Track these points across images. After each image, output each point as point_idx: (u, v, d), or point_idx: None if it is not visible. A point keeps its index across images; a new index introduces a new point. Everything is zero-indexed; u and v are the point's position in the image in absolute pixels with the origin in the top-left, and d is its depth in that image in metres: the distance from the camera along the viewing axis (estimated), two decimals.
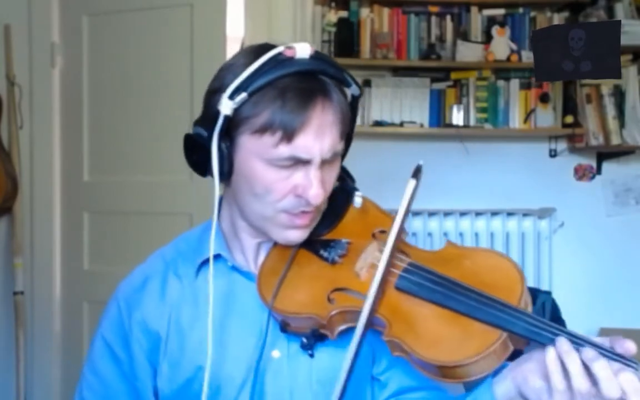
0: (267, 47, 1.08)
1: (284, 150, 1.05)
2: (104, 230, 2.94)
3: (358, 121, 4.00)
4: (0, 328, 3.00)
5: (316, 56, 1.08)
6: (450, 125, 3.77)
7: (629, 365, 0.89)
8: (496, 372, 1.01)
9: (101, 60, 2.92)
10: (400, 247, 1.11)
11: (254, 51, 1.09)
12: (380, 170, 3.61)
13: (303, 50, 1.07)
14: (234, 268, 1.17)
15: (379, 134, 3.78)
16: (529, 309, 1.00)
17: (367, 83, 3.79)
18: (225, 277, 1.17)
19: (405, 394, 1.14)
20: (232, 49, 2.85)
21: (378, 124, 3.77)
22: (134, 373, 1.17)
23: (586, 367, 0.90)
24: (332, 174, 1.12)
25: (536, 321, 0.95)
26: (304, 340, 1.07)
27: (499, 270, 1.04)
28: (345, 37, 3.71)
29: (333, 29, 3.70)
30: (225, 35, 2.69)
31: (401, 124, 3.77)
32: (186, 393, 1.14)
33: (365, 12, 3.81)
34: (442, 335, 0.99)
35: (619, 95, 3.77)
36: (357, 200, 1.18)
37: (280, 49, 1.06)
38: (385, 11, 3.79)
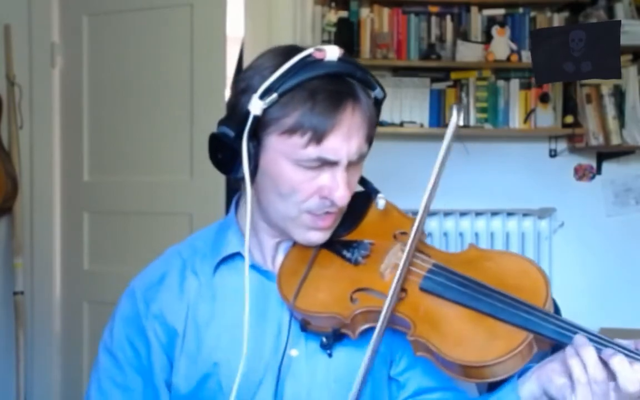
0: (294, 49, 1.09)
1: (313, 151, 1.06)
2: (104, 230, 2.94)
3: None
4: (0, 328, 3.00)
5: (344, 59, 1.10)
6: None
7: None
8: (521, 373, 1.01)
9: (101, 60, 2.92)
10: (421, 248, 1.12)
11: (282, 53, 1.10)
12: (380, 170, 3.58)
13: (332, 53, 1.08)
14: (253, 266, 1.17)
15: (379, 134, 3.73)
16: (552, 311, 1.01)
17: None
18: (242, 276, 1.16)
19: (424, 395, 1.15)
20: (232, 49, 2.85)
21: (379, 124, 3.76)
22: (150, 365, 1.17)
23: (605, 363, 0.92)
24: (356, 176, 1.14)
25: (563, 323, 0.97)
26: (324, 339, 1.08)
27: (524, 273, 1.05)
28: (345, 37, 3.71)
29: (333, 29, 3.70)
30: (225, 35, 2.69)
31: (401, 124, 3.77)
32: (203, 390, 1.15)
33: (365, 12, 3.81)
34: (467, 335, 1.00)
35: (619, 95, 3.77)
36: (381, 203, 1.18)
37: (310, 50, 1.08)
38: (385, 11, 3.79)
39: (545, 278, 1.03)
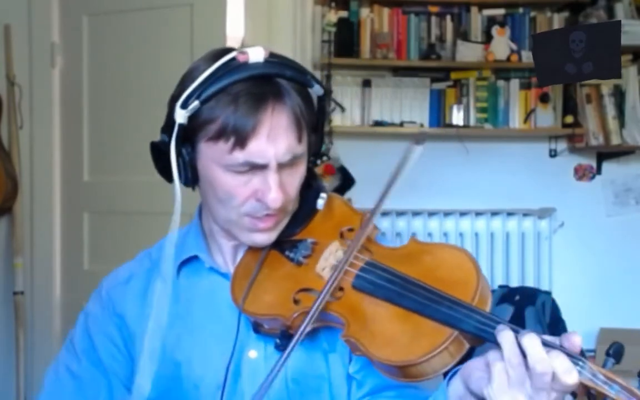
0: (226, 52, 1.08)
1: (239, 155, 1.05)
2: (104, 230, 2.94)
3: (358, 121, 4.00)
4: (0, 328, 3.00)
5: (271, 60, 1.08)
6: (450, 125, 3.77)
7: (574, 358, 0.88)
8: (453, 374, 1.00)
9: (101, 60, 2.92)
10: (366, 245, 1.11)
11: (212, 57, 1.09)
12: (380, 170, 3.59)
13: (257, 55, 1.06)
14: (212, 269, 1.18)
15: (379, 134, 3.79)
16: (488, 304, 0.99)
17: (367, 83, 3.79)
18: (203, 278, 1.18)
19: (380, 392, 1.13)
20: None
21: (378, 124, 3.77)
22: (108, 361, 1.19)
23: (522, 351, 0.89)
24: (295, 177, 1.12)
25: (488, 319, 0.94)
26: (277, 341, 1.08)
27: (455, 265, 1.03)
28: (345, 37, 3.71)
29: (333, 29, 3.70)
30: (225, 35, 2.69)
31: (401, 124, 3.77)
32: (167, 389, 1.15)
33: (365, 12, 3.81)
34: (394, 334, 0.99)
35: (619, 95, 3.77)
36: (320, 202, 1.17)
37: (233, 54, 1.07)
38: (385, 11, 3.79)
39: (476, 270, 1.00)
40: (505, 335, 0.90)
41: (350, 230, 1.13)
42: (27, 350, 2.99)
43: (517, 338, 0.89)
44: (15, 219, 2.99)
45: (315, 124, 1.14)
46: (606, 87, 3.77)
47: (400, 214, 3.79)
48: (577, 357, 0.88)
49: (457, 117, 3.77)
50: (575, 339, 0.90)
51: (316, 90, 1.11)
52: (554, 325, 3.37)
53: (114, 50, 2.89)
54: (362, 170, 3.53)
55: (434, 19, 3.82)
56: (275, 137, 1.05)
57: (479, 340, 0.96)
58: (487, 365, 0.92)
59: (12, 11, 2.98)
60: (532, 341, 0.88)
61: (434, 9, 3.81)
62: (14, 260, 2.98)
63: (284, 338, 1.07)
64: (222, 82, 1.04)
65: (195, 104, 1.04)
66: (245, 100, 1.04)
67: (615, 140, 3.74)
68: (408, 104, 3.79)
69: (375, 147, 3.78)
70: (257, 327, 1.10)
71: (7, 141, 2.97)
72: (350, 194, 3.55)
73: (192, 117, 1.06)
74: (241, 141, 1.04)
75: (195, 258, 1.19)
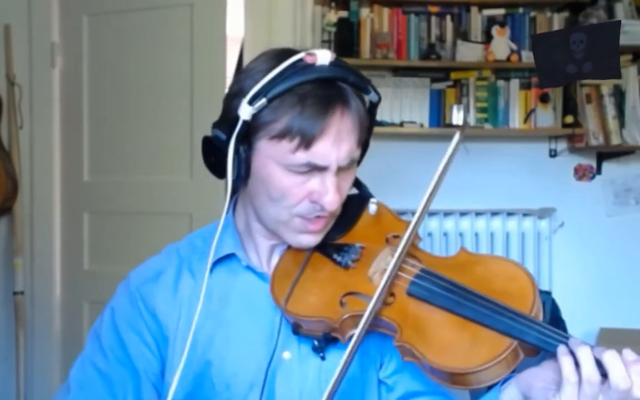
0: (288, 53, 1.09)
1: (302, 156, 1.06)
2: (104, 230, 2.94)
3: None
4: (0, 328, 3.00)
5: (336, 63, 1.09)
6: (450, 125, 3.75)
7: None
8: (504, 380, 1.01)
9: (101, 60, 2.92)
10: (412, 252, 1.12)
11: (275, 56, 1.09)
12: (380, 170, 3.60)
13: (323, 57, 1.08)
14: (248, 268, 1.18)
15: (379, 134, 3.76)
16: (540, 317, 1.00)
17: (368, 81, 3.78)
18: (238, 276, 1.18)
19: (412, 398, 1.14)
20: (232, 49, 2.85)
21: (378, 124, 3.73)
22: (136, 358, 1.17)
23: (597, 361, 0.90)
24: (348, 181, 1.13)
25: (548, 330, 0.96)
26: (316, 343, 1.08)
27: (511, 278, 1.04)
28: (345, 37, 3.71)
29: (333, 29, 3.70)
30: (225, 35, 2.69)
31: (401, 124, 3.77)
32: (197, 388, 1.15)
33: (365, 12, 3.81)
34: (452, 341, 1.00)
35: (619, 95, 3.77)
36: (372, 207, 1.19)
37: (301, 55, 1.07)
38: (385, 11, 3.79)
39: (532, 283, 1.02)
40: (583, 351, 0.91)
41: (396, 236, 1.14)
42: (27, 350, 2.99)
43: (594, 355, 0.90)
44: (15, 219, 2.99)
45: (367, 129, 1.15)
46: (606, 87, 3.77)
47: (400, 214, 3.77)
48: None
49: (457, 117, 3.76)
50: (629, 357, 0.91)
51: (372, 97, 1.13)
52: (554, 325, 3.33)
53: (114, 50, 2.89)
54: (362, 170, 3.52)
55: (434, 19, 3.81)
56: (340, 141, 1.07)
57: (536, 352, 0.97)
58: (552, 377, 0.93)
59: (12, 11, 2.98)
60: (614, 359, 0.89)
61: (434, 9, 3.81)
62: (14, 260, 2.98)
63: (324, 341, 1.07)
64: (290, 82, 1.05)
65: (262, 101, 1.05)
66: (313, 102, 1.05)
67: (615, 140, 3.74)
68: (408, 104, 3.79)
69: (375, 147, 3.74)
70: (295, 328, 1.10)
71: (7, 141, 2.97)
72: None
73: (254, 115, 1.06)
74: (307, 142, 1.05)
75: (230, 256, 1.18)
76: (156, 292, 1.18)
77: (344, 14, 3.76)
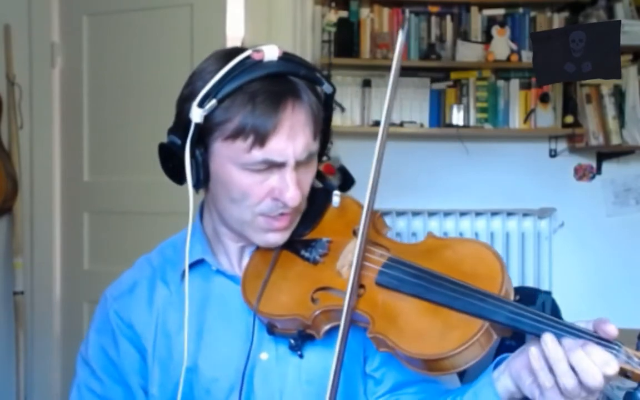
0: (237, 51, 1.08)
1: (257, 154, 1.05)
2: (104, 230, 2.94)
3: (358, 121, 4.00)
4: (0, 328, 3.00)
5: (285, 58, 1.08)
6: (450, 125, 3.77)
7: (609, 347, 0.90)
8: (496, 364, 1.01)
9: (101, 60, 2.92)
10: (379, 242, 1.11)
11: (224, 56, 1.09)
12: (381, 170, 3.61)
13: (271, 53, 1.06)
14: (219, 272, 1.17)
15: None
16: (511, 297, 1.00)
17: (367, 83, 3.79)
18: (210, 281, 1.17)
19: (401, 389, 1.14)
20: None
21: (378, 124, 3.75)
22: (126, 373, 1.18)
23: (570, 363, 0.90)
24: (309, 175, 1.12)
25: (518, 309, 0.95)
26: (292, 341, 1.08)
27: (479, 259, 1.03)
28: (345, 37, 3.71)
29: (333, 29, 3.70)
30: (225, 35, 2.69)
31: (401, 124, 3.77)
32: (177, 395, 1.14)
33: (365, 12, 3.81)
34: (424, 328, 1.00)
35: (619, 95, 3.77)
36: (335, 200, 1.17)
37: (248, 52, 1.06)
38: (385, 11, 3.79)
39: (500, 262, 1.01)
40: (555, 354, 0.91)
41: None
42: (27, 350, 2.98)
43: (565, 351, 0.90)
44: (15, 219, 2.99)
45: (325, 121, 1.14)
46: (606, 87, 3.77)
47: (400, 214, 3.79)
48: (612, 343, 0.91)
49: (457, 117, 3.77)
50: (610, 328, 0.92)
51: (325, 88, 1.12)
52: None
53: (114, 50, 2.88)
54: (362, 170, 3.51)
55: (434, 19, 3.82)
56: (294, 135, 1.06)
57: (509, 331, 0.97)
58: (532, 371, 0.93)
59: (12, 11, 2.98)
60: (581, 360, 0.89)
61: (434, 9, 3.81)
62: (14, 260, 2.97)
63: (299, 338, 1.07)
64: (239, 81, 1.04)
65: (212, 103, 1.04)
66: (263, 98, 1.04)
67: (615, 140, 3.74)
68: (408, 104, 3.79)
69: (375, 147, 3.78)
70: (270, 328, 1.09)
71: (7, 141, 2.97)
72: (350, 194, 3.54)
73: (206, 117, 1.05)
74: (261, 140, 1.04)
75: (200, 262, 1.17)
76: (132, 305, 1.18)
77: (344, 14, 3.77)
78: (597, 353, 0.89)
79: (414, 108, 3.79)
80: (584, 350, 0.90)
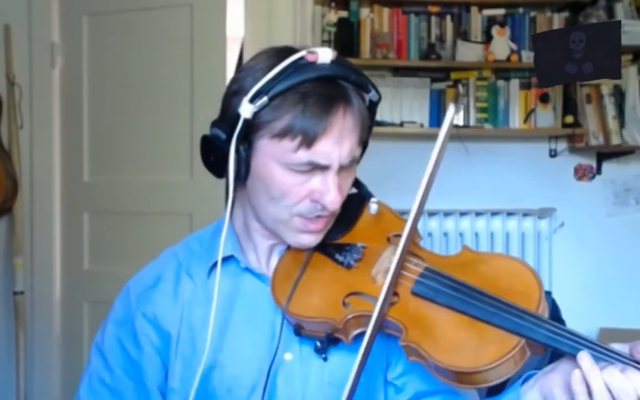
0: (289, 51, 1.08)
1: (303, 155, 1.05)
2: (104, 230, 2.94)
3: None
4: (0, 328, 3.00)
5: (337, 61, 1.08)
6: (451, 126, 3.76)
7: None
8: (525, 379, 1.01)
9: (101, 60, 2.92)
10: (415, 251, 1.11)
11: (275, 54, 1.08)
12: (380, 170, 3.60)
13: (325, 55, 1.07)
14: (247, 269, 1.17)
15: (379, 134, 3.78)
16: (546, 314, 1.00)
17: (369, 80, 3.78)
18: (237, 278, 1.17)
19: (422, 399, 1.13)
20: (232, 49, 2.85)
21: (378, 124, 3.75)
22: (141, 368, 1.17)
23: (607, 384, 0.90)
24: (349, 180, 1.13)
25: (556, 328, 0.95)
26: (318, 344, 1.07)
27: (516, 276, 1.03)
28: (345, 37, 3.71)
29: (333, 29, 3.70)
30: (225, 35, 2.69)
31: (401, 124, 3.77)
32: (199, 392, 1.13)
33: (365, 12, 3.81)
34: (459, 340, 0.99)
35: (619, 95, 3.77)
36: (373, 207, 1.17)
37: (302, 53, 1.06)
38: (385, 11, 3.79)
39: (538, 281, 1.01)
40: (593, 377, 0.90)
41: (397, 235, 1.12)
42: (27, 350, 2.98)
43: (604, 378, 0.90)
44: (15, 219, 2.98)
45: (368, 128, 1.14)
46: (606, 87, 3.77)
47: (400, 214, 3.78)
48: None
49: (457, 117, 3.76)
50: None
51: (372, 96, 1.12)
52: None
53: (114, 50, 2.89)
54: (362, 170, 3.52)
55: (434, 19, 3.82)
56: (342, 140, 1.06)
57: (543, 349, 0.96)
58: (568, 389, 0.92)
59: (12, 11, 2.98)
60: (615, 378, 0.89)
61: (434, 9, 3.81)
62: (14, 260, 2.97)
63: (327, 341, 1.07)
64: (291, 80, 1.04)
65: (263, 100, 1.04)
66: (315, 100, 1.04)
67: (615, 140, 3.74)
68: (408, 104, 3.79)
69: (376, 147, 3.75)
70: (297, 329, 1.09)
71: (7, 141, 2.96)
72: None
73: (255, 114, 1.05)
74: (309, 141, 1.04)
75: (228, 259, 1.16)
76: (156, 299, 1.18)
77: (344, 14, 3.76)
78: (636, 377, 0.89)
79: (414, 108, 3.79)
80: (623, 374, 0.89)
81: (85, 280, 2.98)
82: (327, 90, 1.05)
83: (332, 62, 1.07)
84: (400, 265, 1.04)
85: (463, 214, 3.86)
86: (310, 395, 1.12)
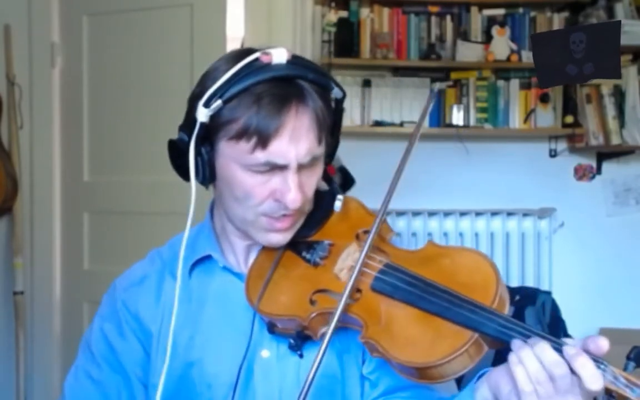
0: (248, 53, 1.09)
1: (260, 155, 1.06)
2: (104, 230, 2.94)
3: (358, 121, 4.00)
4: (0, 328, 3.00)
5: (294, 61, 1.09)
6: (450, 125, 3.77)
7: (597, 363, 0.90)
8: (480, 375, 1.02)
9: (101, 60, 2.92)
10: (381, 247, 1.12)
11: (235, 57, 1.09)
12: (380, 170, 3.59)
13: (280, 56, 1.07)
14: (225, 268, 1.18)
15: (379, 134, 3.78)
16: (506, 307, 1.00)
17: (367, 83, 3.79)
18: (216, 277, 1.19)
19: (394, 393, 1.14)
20: (232, 49, 2.85)
21: (378, 124, 3.77)
22: (126, 363, 1.18)
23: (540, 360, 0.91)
24: (312, 178, 1.13)
25: (508, 323, 0.96)
26: (291, 341, 1.09)
27: (476, 270, 1.04)
28: (345, 37, 3.71)
29: (333, 29, 3.70)
30: (225, 35, 2.69)
31: (401, 124, 3.77)
32: (179, 389, 1.15)
33: (365, 12, 3.81)
34: (415, 336, 1.00)
35: (619, 95, 3.77)
36: (337, 204, 1.19)
37: (256, 55, 1.07)
38: (385, 11, 3.79)
39: (496, 274, 1.01)
40: (527, 358, 0.91)
41: (366, 232, 1.13)
42: (27, 350, 2.99)
43: (536, 355, 0.91)
44: (15, 219, 2.99)
45: (332, 126, 1.14)
46: (606, 87, 3.77)
47: (400, 214, 3.79)
48: (599, 360, 0.90)
49: (457, 117, 3.77)
50: (602, 343, 0.91)
51: (335, 93, 1.12)
52: (554, 325, 3.36)
53: (114, 50, 2.89)
54: (362, 170, 3.52)
55: (434, 19, 3.82)
56: (297, 139, 1.06)
57: (499, 343, 0.97)
58: (512, 379, 0.93)
59: (12, 11, 2.98)
60: (546, 352, 0.90)
61: (434, 9, 3.81)
62: (14, 260, 2.98)
63: (298, 338, 1.08)
64: (245, 82, 1.05)
65: (217, 103, 1.05)
66: (268, 101, 1.05)
67: (615, 140, 3.74)
68: (408, 104, 3.79)
69: (376, 147, 3.78)
70: (271, 327, 1.10)
71: (7, 141, 2.97)
72: (350, 194, 3.54)
73: (213, 116, 1.06)
74: (263, 141, 1.05)
75: (207, 258, 1.19)
76: (139, 297, 1.20)
77: (344, 14, 3.76)
78: (587, 365, 0.89)
79: (414, 108, 3.78)
80: (553, 348, 0.91)
81: (85, 280, 2.98)
82: (280, 91, 1.06)
83: (288, 62, 1.08)
84: (363, 262, 1.04)
85: (463, 214, 3.85)
86: (287, 391, 1.13)
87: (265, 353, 1.14)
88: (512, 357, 0.93)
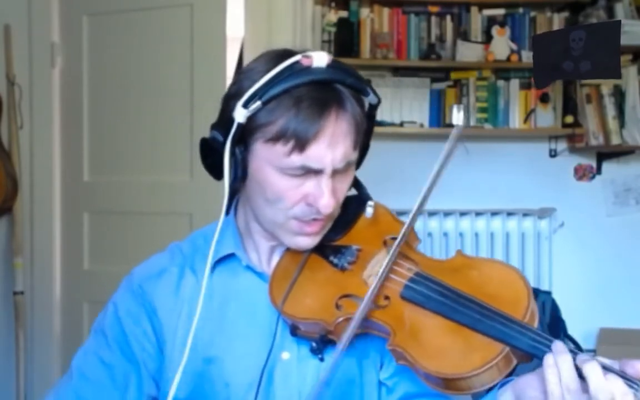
0: (287, 54, 1.08)
1: (296, 159, 1.05)
2: (104, 230, 2.94)
3: None
4: (0, 328, 3.00)
5: (333, 65, 1.08)
6: (450, 125, 3.75)
7: (629, 382, 0.89)
8: (502, 384, 1.01)
9: (101, 60, 2.92)
10: (409, 255, 1.12)
11: (274, 58, 1.09)
12: (380, 170, 3.61)
13: (320, 59, 1.07)
14: (248, 267, 1.18)
15: (379, 134, 3.76)
16: (536, 323, 1.00)
17: (367, 83, 3.78)
18: (238, 276, 1.18)
19: None
20: (232, 49, 2.85)
21: (378, 124, 3.72)
22: (139, 352, 1.17)
23: (580, 373, 0.90)
24: (345, 183, 1.13)
25: (540, 337, 0.95)
26: (314, 344, 1.08)
27: (506, 283, 1.03)
28: (345, 37, 3.71)
29: (333, 29, 3.70)
30: (225, 35, 2.70)
31: (401, 124, 3.77)
32: (197, 386, 1.15)
33: (365, 12, 3.81)
34: (445, 347, 1.00)
35: (619, 95, 3.77)
36: (369, 210, 1.17)
37: (297, 57, 1.07)
38: (385, 11, 3.79)
39: (527, 288, 1.01)
40: (563, 360, 0.91)
41: (393, 238, 1.12)
42: (27, 350, 2.98)
43: (575, 363, 0.90)
44: (15, 219, 2.99)
45: (366, 132, 1.14)
46: (606, 87, 3.77)
47: (400, 214, 3.77)
48: (633, 380, 0.89)
49: (457, 117, 3.76)
50: (638, 366, 0.90)
51: (370, 99, 1.12)
52: (554, 325, 3.37)
53: (114, 50, 2.89)
54: (362, 170, 3.53)
55: (434, 19, 3.81)
56: (335, 144, 1.06)
57: (529, 358, 0.97)
58: (542, 388, 0.93)
59: (12, 11, 2.98)
60: (593, 368, 0.89)
61: (434, 9, 3.81)
62: (14, 260, 2.98)
63: (321, 342, 1.07)
64: (285, 85, 1.04)
65: (257, 104, 1.04)
66: (308, 104, 1.04)
67: (615, 140, 3.74)
68: (408, 104, 3.79)
69: (375, 147, 3.75)
70: (293, 330, 1.10)
71: (7, 141, 2.97)
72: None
73: (250, 117, 1.05)
74: (301, 145, 1.04)
75: (230, 256, 1.18)
76: (158, 290, 1.18)
77: (344, 14, 3.76)
78: (618, 383, 0.88)
79: (414, 108, 3.79)
80: (604, 373, 0.90)
81: (85, 280, 2.98)
82: (320, 94, 1.05)
83: (328, 66, 1.07)
84: (389, 269, 1.04)
85: (463, 214, 3.86)
86: (306, 394, 1.12)
87: (285, 355, 1.13)
88: (547, 359, 0.92)
